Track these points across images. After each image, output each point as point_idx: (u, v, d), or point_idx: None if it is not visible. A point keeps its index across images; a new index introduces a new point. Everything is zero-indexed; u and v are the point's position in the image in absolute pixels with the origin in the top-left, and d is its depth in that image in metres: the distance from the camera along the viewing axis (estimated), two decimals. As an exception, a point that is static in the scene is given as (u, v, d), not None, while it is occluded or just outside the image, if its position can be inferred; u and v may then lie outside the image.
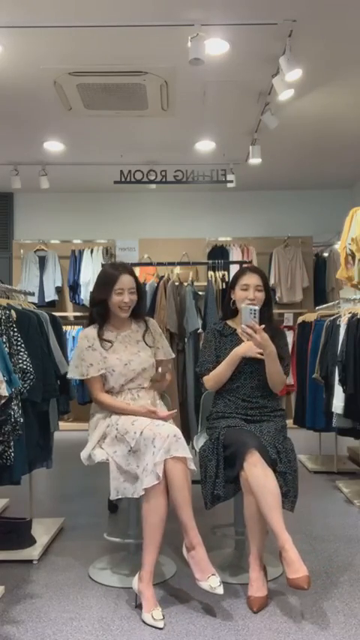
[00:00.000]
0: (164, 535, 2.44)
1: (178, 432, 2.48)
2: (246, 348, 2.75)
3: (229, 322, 2.95)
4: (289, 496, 2.50)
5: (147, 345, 2.83)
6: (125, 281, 2.75)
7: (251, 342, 2.72)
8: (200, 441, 2.86)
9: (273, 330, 2.85)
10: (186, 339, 4.08)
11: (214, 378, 2.83)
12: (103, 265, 3.00)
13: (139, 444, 2.47)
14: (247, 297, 2.80)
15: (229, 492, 2.56)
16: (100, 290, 2.79)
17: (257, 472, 2.43)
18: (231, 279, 3.03)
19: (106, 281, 2.77)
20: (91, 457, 2.64)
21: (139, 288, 2.84)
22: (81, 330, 2.89)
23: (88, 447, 2.67)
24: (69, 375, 2.84)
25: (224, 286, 4.65)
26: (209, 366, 2.85)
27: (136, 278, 2.82)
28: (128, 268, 2.83)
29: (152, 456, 2.41)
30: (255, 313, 2.69)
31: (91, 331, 2.78)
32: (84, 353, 2.73)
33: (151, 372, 2.81)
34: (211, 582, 2.31)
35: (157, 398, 2.87)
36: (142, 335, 2.85)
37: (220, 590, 2.30)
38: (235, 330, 2.88)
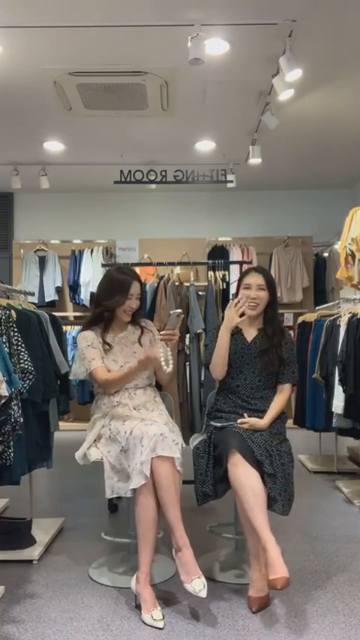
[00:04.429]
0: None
1: (166, 430, 2.47)
2: (228, 320, 2.77)
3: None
4: (278, 500, 2.47)
5: (142, 346, 2.83)
6: (136, 287, 2.77)
7: (231, 312, 2.77)
8: (197, 439, 2.86)
9: (277, 332, 2.85)
10: (188, 340, 4.08)
11: (214, 360, 2.82)
12: (108, 270, 2.98)
13: (129, 443, 2.48)
14: (249, 295, 2.80)
15: (218, 491, 2.57)
16: (113, 296, 2.75)
17: (238, 472, 2.44)
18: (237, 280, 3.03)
19: (119, 287, 2.75)
20: (86, 456, 2.65)
21: (142, 293, 2.86)
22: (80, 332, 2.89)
23: (83, 446, 2.68)
24: (72, 377, 2.87)
25: (224, 286, 4.64)
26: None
27: (140, 283, 2.83)
28: (136, 274, 2.84)
29: (140, 455, 2.41)
30: (180, 316, 2.69)
31: (90, 333, 2.79)
32: (84, 351, 2.75)
33: (147, 372, 2.82)
34: (195, 585, 2.27)
35: (157, 396, 2.87)
36: (139, 336, 2.86)
37: (203, 594, 2.26)
38: (242, 329, 2.87)
